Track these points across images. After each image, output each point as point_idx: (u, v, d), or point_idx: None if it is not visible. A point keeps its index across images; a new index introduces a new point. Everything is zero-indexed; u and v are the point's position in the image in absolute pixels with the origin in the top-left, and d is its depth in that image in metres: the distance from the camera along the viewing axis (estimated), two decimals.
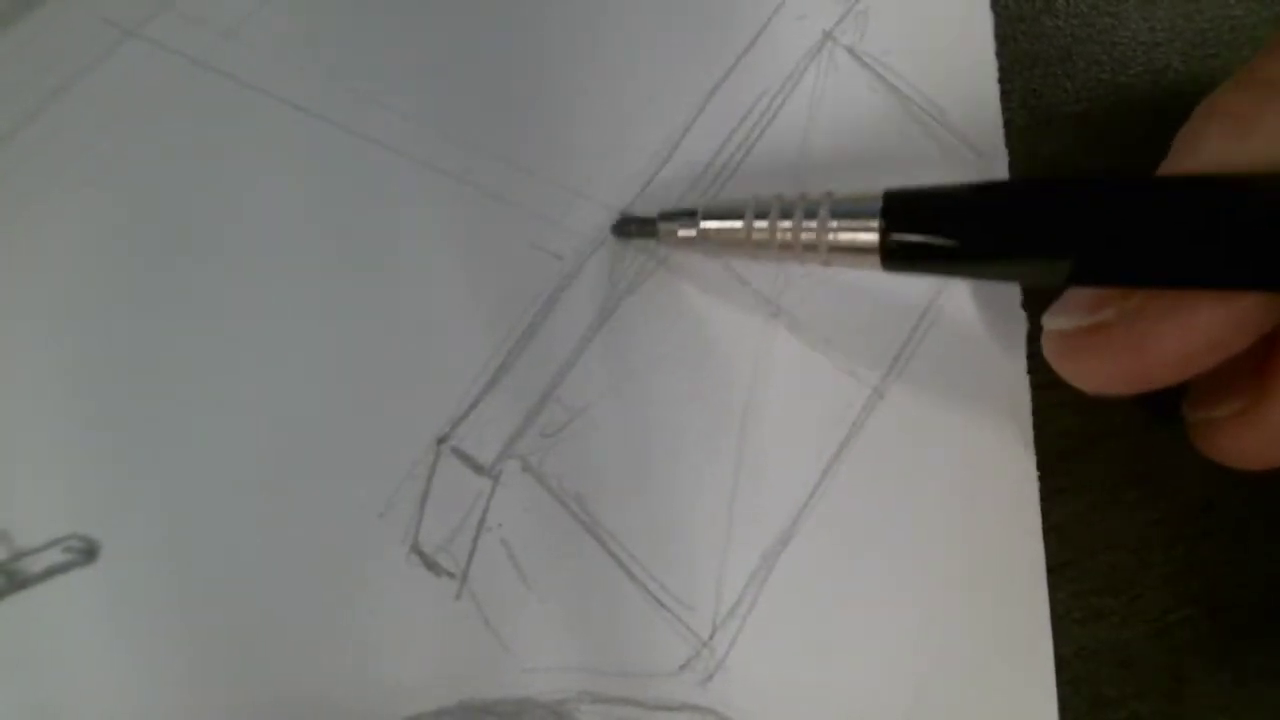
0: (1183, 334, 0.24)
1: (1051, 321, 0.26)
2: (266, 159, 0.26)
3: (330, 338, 0.26)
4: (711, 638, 0.26)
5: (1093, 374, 0.26)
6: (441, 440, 0.26)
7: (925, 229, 0.24)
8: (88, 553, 0.24)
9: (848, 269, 0.25)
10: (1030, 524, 0.29)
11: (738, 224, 0.25)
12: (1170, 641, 0.31)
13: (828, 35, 0.29)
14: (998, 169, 0.30)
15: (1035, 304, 0.30)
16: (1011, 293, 0.29)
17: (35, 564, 0.24)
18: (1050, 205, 0.23)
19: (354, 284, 0.26)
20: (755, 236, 0.25)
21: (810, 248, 0.25)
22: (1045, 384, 0.31)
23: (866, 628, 0.27)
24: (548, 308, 0.27)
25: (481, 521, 0.26)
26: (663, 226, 0.26)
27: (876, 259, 0.24)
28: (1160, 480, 0.32)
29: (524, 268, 0.27)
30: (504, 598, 0.25)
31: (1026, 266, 0.24)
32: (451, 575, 0.25)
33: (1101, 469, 0.31)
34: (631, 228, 0.27)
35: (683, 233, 0.26)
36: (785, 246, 0.25)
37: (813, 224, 0.24)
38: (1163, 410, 0.32)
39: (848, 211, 0.24)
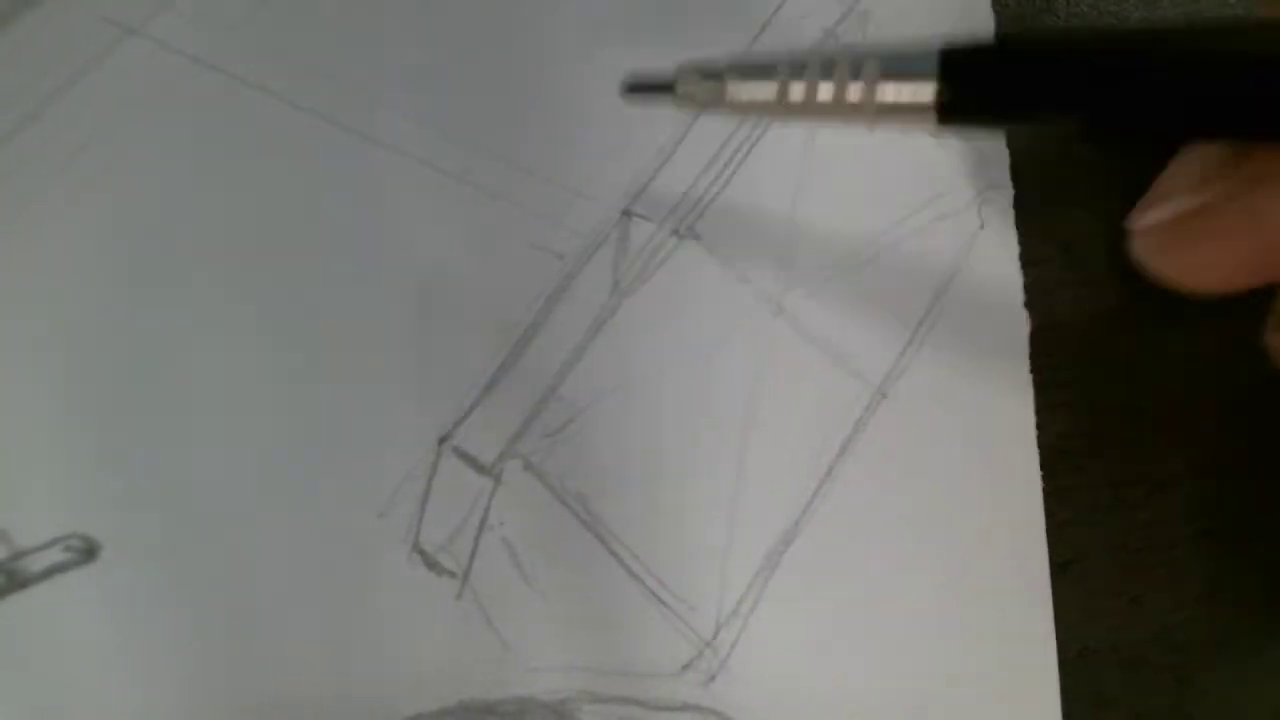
0: None
1: (1144, 217, 0.24)
2: (266, 158, 0.25)
3: (330, 337, 0.25)
4: (714, 638, 0.26)
5: (1201, 266, 0.23)
6: (443, 440, 0.25)
7: (990, 86, 0.22)
8: (88, 552, 0.23)
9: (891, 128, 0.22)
10: (1034, 524, 0.28)
11: (770, 86, 0.22)
12: (1172, 642, 0.31)
13: (829, 34, 0.28)
14: (998, 167, 0.29)
15: (1037, 303, 0.30)
16: (1013, 292, 0.29)
17: (35, 563, 0.23)
18: (1141, 47, 0.21)
19: (354, 284, 0.25)
20: (791, 98, 0.22)
21: (855, 108, 0.22)
22: (1047, 383, 0.30)
23: (870, 628, 0.27)
24: (549, 307, 0.26)
25: (483, 521, 0.25)
26: (681, 89, 0.23)
27: (931, 117, 0.22)
28: (1162, 480, 0.32)
29: (525, 267, 0.26)
30: (506, 597, 0.25)
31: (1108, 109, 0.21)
32: (453, 575, 0.25)
33: (1103, 469, 0.31)
34: (644, 90, 0.24)
35: (706, 96, 0.23)
36: (824, 109, 0.22)
37: (857, 83, 0.22)
38: (1164, 409, 0.32)
39: (899, 69, 0.22)
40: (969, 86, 0.22)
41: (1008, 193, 0.29)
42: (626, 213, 0.27)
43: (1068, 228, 0.31)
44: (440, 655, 0.25)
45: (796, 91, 0.22)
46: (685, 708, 0.26)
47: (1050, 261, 0.31)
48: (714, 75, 0.23)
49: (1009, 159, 0.30)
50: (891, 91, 0.22)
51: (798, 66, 0.22)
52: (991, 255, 0.28)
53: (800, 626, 0.26)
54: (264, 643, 0.24)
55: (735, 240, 0.27)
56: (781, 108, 0.23)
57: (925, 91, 0.22)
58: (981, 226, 0.29)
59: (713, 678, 0.26)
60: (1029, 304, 0.29)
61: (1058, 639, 0.29)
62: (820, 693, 0.26)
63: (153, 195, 0.25)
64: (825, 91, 0.22)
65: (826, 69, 0.22)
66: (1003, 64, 0.22)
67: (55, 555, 0.23)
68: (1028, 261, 0.30)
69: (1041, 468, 0.30)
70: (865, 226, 0.28)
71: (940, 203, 0.29)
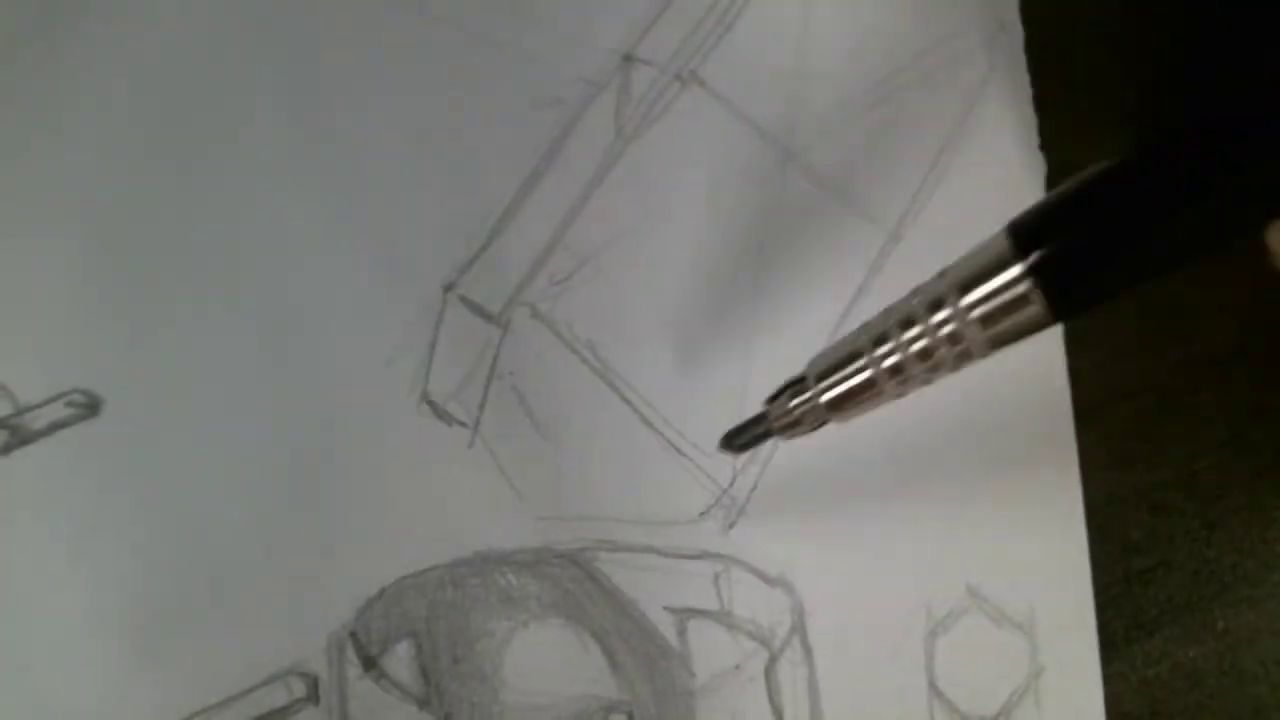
0: None
1: None
2: (264, 23, 0.23)
3: (333, 188, 0.23)
4: (731, 485, 0.24)
5: None
6: (449, 288, 0.23)
7: (1085, 258, 0.17)
8: (90, 407, 0.22)
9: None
10: (1056, 368, 0.26)
11: (861, 369, 0.19)
12: (1199, 487, 0.29)
13: None
14: (1008, 8, 0.27)
15: (1051, 144, 0.27)
16: (1028, 134, 0.26)
17: (38, 419, 0.21)
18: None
19: (357, 137, 0.23)
20: (887, 366, 0.19)
21: (956, 340, 0.18)
22: None
23: (888, 474, 0.25)
24: (552, 154, 0.24)
25: (492, 369, 0.23)
26: (777, 424, 0.20)
27: (1040, 311, 0.18)
28: (1184, 325, 0.29)
29: (527, 114, 0.24)
30: (518, 446, 0.23)
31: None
32: (464, 424, 0.23)
33: (1125, 314, 0.29)
34: (744, 442, 0.21)
35: (807, 415, 0.20)
36: (929, 359, 0.18)
37: (946, 316, 0.18)
38: (1182, 255, 0.29)
39: (979, 279, 0.18)
40: (1063, 263, 0.17)
41: (1018, 34, 0.27)
42: (628, 58, 0.24)
43: (1082, 68, 0.29)
44: (453, 506, 0.23)
45: (889, 359, 0.19)
46: (704, 555, 0.24)
47: (1066, 103, 0.28)
48: (803, 391, 0.20)
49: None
50: (983, 300, 0.18)
51: (876, 334, 0.19)
52: (1003, 97, 0.26)
53: (819, 472, 0.24)
54: (272, 494, 0.22)
55: (740, 84, 0.25)
56: (888, 384, 0.19)
57: (1018, 283, 0.17)
58: (992, 69, 0.26)
59: (731, 524, 0.24)
60: (1045, 146, 0.27)
61: (1084, 485, 0.27)
62: (842, 542, 0.24)
63: (165, 64, 0.23)
64: (915, 340, 0.18)
65: (905, 317, 0.18)
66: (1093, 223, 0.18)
67: (58, 411, 0.21)
68: (1044, 104, 0.27)
69: None
70: (873, 69, 0.25)
71: (949, 45, 0.26)
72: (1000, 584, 0.25)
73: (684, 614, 0.23)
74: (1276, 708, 0.28)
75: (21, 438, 0.21)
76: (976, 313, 0.18)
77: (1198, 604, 0.27)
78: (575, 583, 0.23)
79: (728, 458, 0.24)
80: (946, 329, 0.18)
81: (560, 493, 0.23)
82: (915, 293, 0.18)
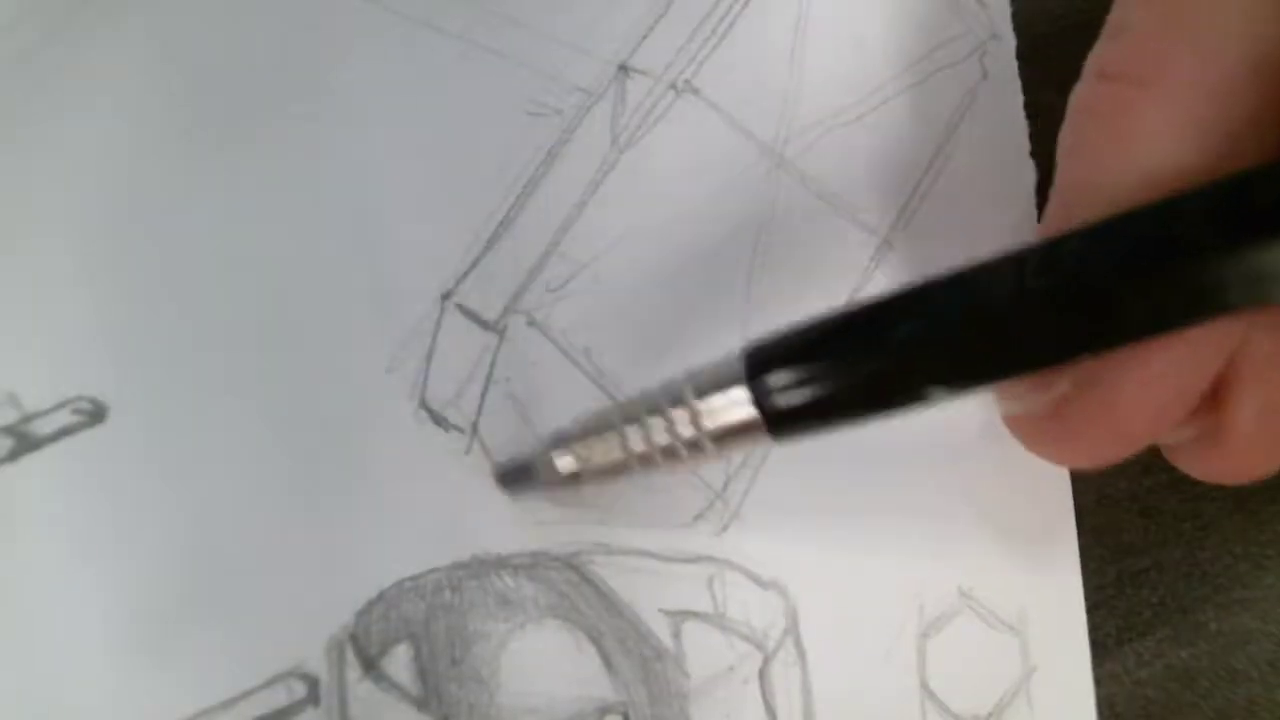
0: (1147, 386, 0.19)
1: (1007, 407, 0.21)
2: (262, 32, 0.23)
3: (332, 197, 0.23)
4: (725, 489, 0.24)
5: (1075, 453, 0.21)
6: (446, 296, 0.23)
7: (804, 382, 0.18)
8: (96, 414, 0.22)
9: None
10: None
11: (612, 441, 0.19)
12: (1191, 489, 0.28)
13: None
14: (1000, 16, 0.27)
15: (1045, 153, 0.27)
16: (1019, 142, 0.26)
17: (45, 425, 0.22)
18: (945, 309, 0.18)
19: (354, 144, 0.23)
20: (632, 447, 0.19)
21: (696, 449, 0.19)
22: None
23: (880, 477, 0.25)
24: (548, 163, 0.24)
25: (489, 376, 0.23)
26: (544, 476, 0.21)
27: (766, 435, 0.18)
28: None
29: (524, 123, 0.24)
30: (515, 451, 0.23)
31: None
32: (460, 430, 0.23)
33: None
34: (515, 480, 0.22)
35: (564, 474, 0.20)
36: (672, 453, 0.19)
37: (681, 417, 0.18)
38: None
39: (709, 390, 0.18)
40: (786, 390, 0.18)
41: (1010, 42, 0.27)
42: (623, 68, 0.24)
43: (1075, 75, 0.29)
44: (451, 510, 0.23)
45: (636, 439, 0.19)
46: (698, 559, 0.24)
47: (1058, 110, 0.28)
48: (564, 443, 0.20)
49: (1010, 7, 0.27)
50: (714, 412, 0.18)
51: (630, 411, 0.19)
52: (995, 105, 0.26)
53: (811, 476, 0.24)
54: (273, 499, 0.22)
55: (734, 93, 0.25)
56: (631, 462, 0.19)
57: (741, 405, 0.18)
58: (984, 76, 0.26)
59: (725, 528, 0.24)
60: (1035, 154, 0.27)
61: (1076, 486, 0.27)
62: (835, 544, 0.24)
63: (165, 69, 0.23)
64: (660, 430, 0.19)
65: (651, 407, 0.19)
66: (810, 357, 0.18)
67: (64, 418, 0.21)
68: (1034, 112, 0.27)
69: None
70: (866, 78, 0.25)
71: (941, 53, 0.26)
72: (992, 585, 0.25)
73: (679, 616, 0.23)
74: (1269, 709, 0.27)
75: (29, 444, 0.21)
76: (706, 421, 0.18)
77: (1190, 606, 0.27)
78: (571, 586, 0.23)
79: (721, 463, 0.24)
80: (681, 429, 0.19)
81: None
82: (666, 387, 0.19)
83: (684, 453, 0.19)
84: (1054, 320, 0.17)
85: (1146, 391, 0.19)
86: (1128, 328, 0.17)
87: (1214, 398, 0.20)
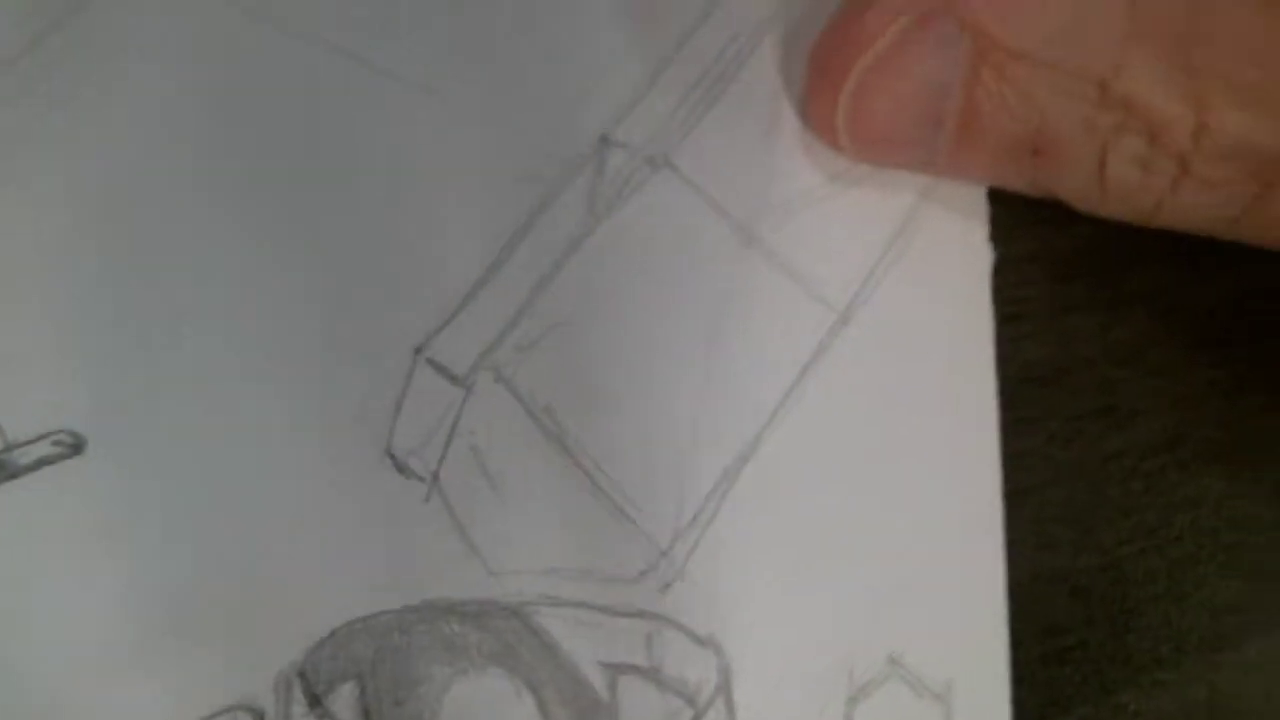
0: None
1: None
2: (257, 76, 0.24)
3: (317, 248, 0.23)
4: (670, 548, 0.24)
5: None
6: (418, 350, 0.24)
7: None
8: (75, 446, 0.22)
9: None
10: (988, 451, 0.26)
11: None
12: (1120, 573, 0.29)
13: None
14: None
15: (1008, 234, 0.27)
16: (979, 225, 0.26)
17: (25, 455, 0.22)
18: None
19: (340, 197, 0.24)
20: None
21: None
22: (1013, 315, 0.28)
23: (821, 546, 0.25)
24: (527, 226, 0.24)
25: (453, 428, 0.23)
26: None
27: None
28: (1123, 415, 0.29)
29: (506, 187, 0.24)
30: (472, 502, 0.23)
31: None
32: (422, 479, 0.23)
33: (1066, 400, 0.29)
34: None
35: None
36: None
37: None
38: (1132, 348, 0.29)
39: None
40: None
41: None
42: (604, 140, 0.25)
43: None
44: (407, 555, 0.23)
45: None
46: (641, 614, 0.24)
47: (1020, 195, 0.28)
48: None
49: None
50: None
51: None
52: (958, 188, 0.26)
53: (755, 542, 0.24)
54: (235, 536, 0.22)
55: (709, 170, 0.25)
56: None
57: None
58: None
59: (668, 586, 0.24)
60: (995, 237, 0.27)
61: (1011, 564, 0.27)
62: (772, 606, 0.25)
63: (146, 115, 0.23)
64: None
65: None
66: None
67: (44, 449, 0.22)
68: (997, 196, 0.27)
69: (1004, 398, 0.27)
70: (834, 159, 0.25)
71: None
72: (921, 655, 0.25)
73: (616, 670, 0.23)
74: None
75: (9, 472, 0.21)
76: None
77: (1112, 686, 0.28)
78: (515, 635, 0.23)
79: (670, 521, 0.24)
80: None
81: (509, 547, 0.23)
82: None
83: None
84: None
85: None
86: None
87: None
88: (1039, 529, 0.28)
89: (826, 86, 0.21)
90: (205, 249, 0.23)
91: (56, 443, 0.21)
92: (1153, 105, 0.19)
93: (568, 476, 0.23)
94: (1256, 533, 0.29)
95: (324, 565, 0.22)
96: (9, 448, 0.21)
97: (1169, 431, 0.29)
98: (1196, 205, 0.20)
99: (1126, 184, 0.20)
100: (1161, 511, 0.29)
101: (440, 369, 0.23)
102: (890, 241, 0.25)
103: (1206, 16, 0.19)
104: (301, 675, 0.22)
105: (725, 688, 0.24)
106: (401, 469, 0.23)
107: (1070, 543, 0.28)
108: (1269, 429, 0.29)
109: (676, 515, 0.24)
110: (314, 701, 0.22)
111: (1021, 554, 0.28)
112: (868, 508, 0.25)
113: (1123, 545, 0.29)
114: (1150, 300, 0.29)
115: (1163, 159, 0.19)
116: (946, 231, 0.25)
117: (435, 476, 0.23)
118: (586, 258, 0.24)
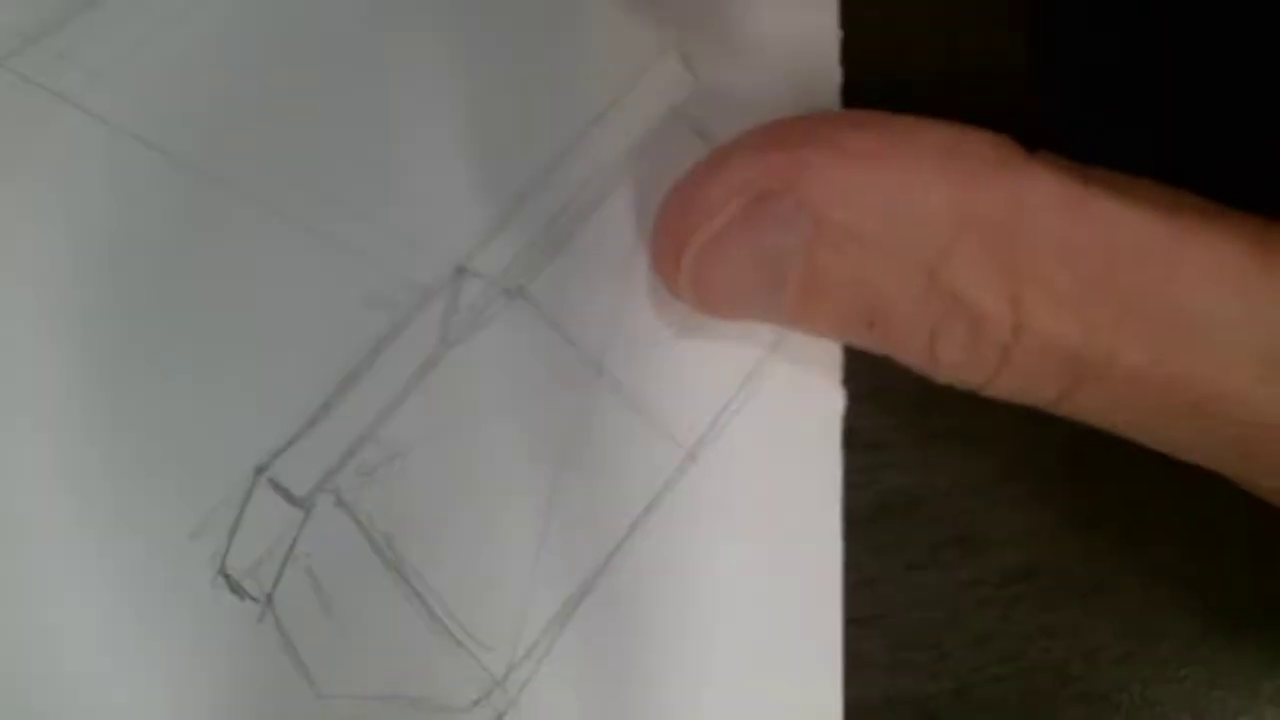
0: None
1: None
2: (112, 195, 0.24)
3: (162, 361, 0.23)
4: (505, 678, 0.24)
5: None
6: (260, 470, 0.24)
7: None
8: None
9: None
10: (830, 587, 0.26)
11: None
12: (973, 698, 0.29)
13: (676, 111, 0.26)
14: None
15: (864, 365, 0.28)
16: (832, 368, 0.27)
17: None
18: None
19: (183, 309, 0.24)
20: None
21: None
22: (872, 443, 0.28)
23: (658, 679, 0.25)
24: (377, 351, 0.24)
25: (290, 550, 0.23)
26: None
27: None
28: (980, 544, 0.30)
29: (356, 311, 0.24)
30: (305, 625, 0.23)
31: None
32: (256, 600, 0.23)
33: (923, 529, 0.29)
34: None
35: None
36: None
37: None
38: (988, 477, 0.30)
39: None
40: None
41: None
42: (460, 269, 0.25)
43: None
44: (236, 676, 0.23)
45: None
46: None
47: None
48: None
49: None
50: None
51: None
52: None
53: (591, 674, 0.24)
54: (69, 652, 0.22)
55: (564, 302, 0.25)
56: None
57: None
58: None
59: (500, 716, 0.24)
60: (858, 366, 0.27)
61: (863, 686, 0.27)
62: None
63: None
64: None
65: None
66: None
67: None
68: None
69: (862, 525, 0.28)
70: None
71: None
72: None
73: None
74: None
75: None
76: None
77: None
78: None
79: (506, 650, 0.24)
80: None
81: (341, 672, 0.23)
82: None
83: None
84: None
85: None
86: None
87: None
88: (894, 654, 0.28)
89: (669, 250, 0.22)
90: (46, 347, 0.23)
91: None
92: (975, 300, 0.19)
93: (404, 603, 0.24)
94: (1104, 665, 0.30)
95: (148, 687, 0.22)
96: None
97: (1025, 562, 0.29)
98: (1019, 389, 0.21)
99: (955, 363, 0.20)
100: (1016, 640, 0.29)
101: (280, 489, 0.23)
102: (741, 383, 0.25)
103: (1025, 215, 0.19)
104: None
105: None
106: (235, 589, 0.23)
107: (924, 667, 0.29)
108: (1119, 564, 0.30)
109: (513, 645, 0.24)
110: None
111: (875, 677, 0.28)
112: (705, 644, 0.25)
113: (976, 672, 0.29)
114: (1008, 435, 0.29)
115: (986, 347, 0.20)
116: (798, 374, 0.26)
117: (269, 598, 0.23)
118: (434, 386, 0.24)
